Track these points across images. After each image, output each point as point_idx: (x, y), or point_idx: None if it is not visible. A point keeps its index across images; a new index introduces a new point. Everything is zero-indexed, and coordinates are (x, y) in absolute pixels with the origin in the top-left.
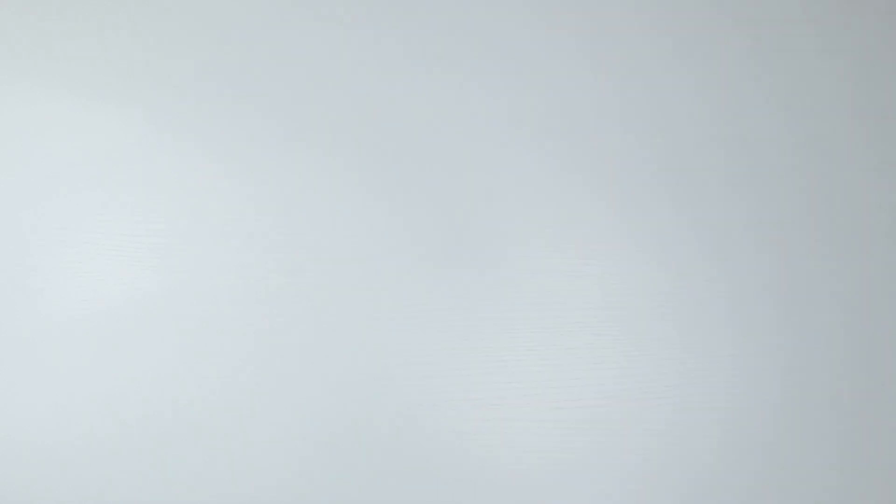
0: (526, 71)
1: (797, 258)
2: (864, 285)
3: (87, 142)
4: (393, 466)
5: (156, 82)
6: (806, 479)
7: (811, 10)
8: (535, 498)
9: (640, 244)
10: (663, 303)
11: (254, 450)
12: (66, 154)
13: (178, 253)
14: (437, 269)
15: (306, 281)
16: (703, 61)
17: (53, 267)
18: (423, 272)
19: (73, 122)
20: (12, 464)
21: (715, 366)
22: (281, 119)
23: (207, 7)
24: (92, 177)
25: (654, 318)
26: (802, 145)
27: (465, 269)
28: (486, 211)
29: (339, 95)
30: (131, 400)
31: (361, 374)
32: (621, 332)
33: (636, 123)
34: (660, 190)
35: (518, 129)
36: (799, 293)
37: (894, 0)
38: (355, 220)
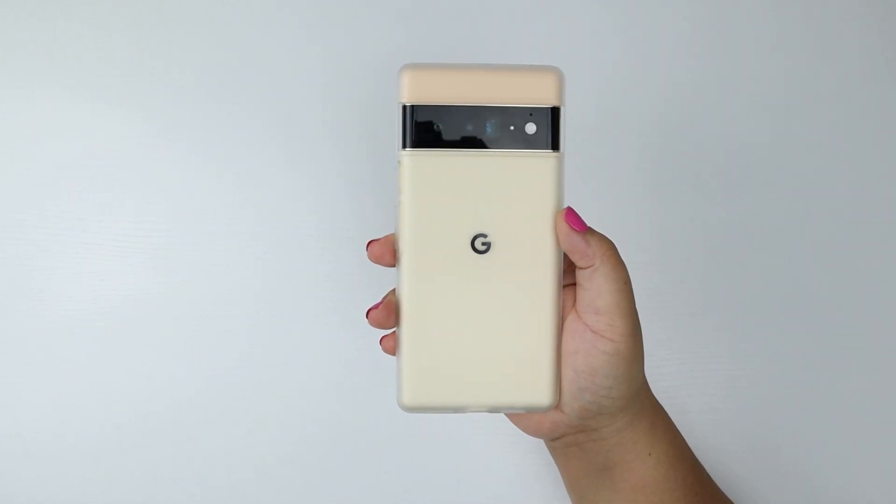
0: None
1: (798, 258)
2: (864, 285)
3: (87, 142)
4: (392, 467)
5: (156, 82)
6: (806, 479)
7: (810, 9)
8: (535, 498)
9: (638, 244)
10: (663, 303)
11: (254, 450)
12: (65, 154)
13: (178, 253)
14: None
15: (307, 281)
16: (703, 60)
17: (53, 267)
18: None
19: (72, 123)
20: (11, 463)
21: (715, 366)
22: (283, 120)
23: (209, 7)
24: (92, 177)
25: (654, 318)
26: (803, 145)
27: None
28: None
29: (344, 97)
30: (131, 399)
31: (361, 374)
32: None
33: (635, 122)
34: (658, 189)
35: None
36: (799, 293)
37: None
38: (357, 222)
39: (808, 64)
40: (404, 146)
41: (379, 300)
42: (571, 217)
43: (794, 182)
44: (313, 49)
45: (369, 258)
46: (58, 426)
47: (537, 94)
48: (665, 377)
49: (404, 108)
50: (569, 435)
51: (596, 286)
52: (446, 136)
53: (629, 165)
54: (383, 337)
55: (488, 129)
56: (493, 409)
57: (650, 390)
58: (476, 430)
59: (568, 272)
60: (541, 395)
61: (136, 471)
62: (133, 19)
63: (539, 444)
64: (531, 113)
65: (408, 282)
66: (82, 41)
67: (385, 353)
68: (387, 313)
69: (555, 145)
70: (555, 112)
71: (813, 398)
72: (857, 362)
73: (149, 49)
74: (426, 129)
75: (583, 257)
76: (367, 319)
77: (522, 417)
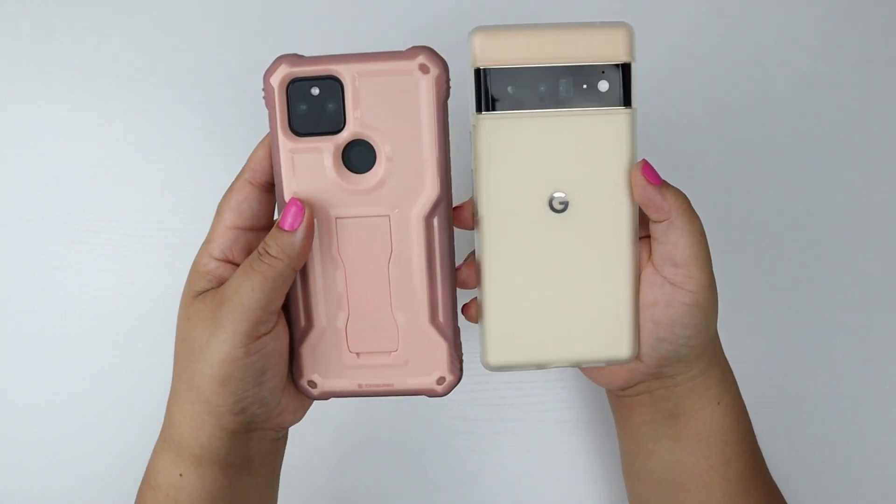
0: None
1: (798, 257)
2: (865, 284)
3: (88, 142)
4: (392, 466)
5: (156, 82)
6: (808, 477)
7: (811, 10)
8: (534, 498)
9: None
10: None
11: None
12: (66, 154)
13: (178, 253)
14: None
15: None
16: (702, 59)
17: (53, 267)
18: None
19: (73, 123)
20: (12, 462)
21: None
22: None
23: (208, 7)
24: (92, 177)
25: None
26: (804, 144)
27: None
28: None
29: None
30: (132, 399)
31: None
32: None
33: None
34: None
35: None
36: (800, 293)
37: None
38: None
39: (809, 63)
40: (479, 110)
41: (461, 262)
42: (647, 170)
43: (794, 182)
44: (317, 49)
45: (455, 224)
46: (57, 425)
47: (608, 51)
48: None
49: (477, 71)
50: (642, 383)
51: (672, 240)
52: (519, 98)
53: None
54: (464, 305)
55: (561, 89)
56: (576, 364)
57: (720, 341)
58: (477, 429)
59: (642, 224)
60: (622, 347)
61: (137, 470)
62: (134, 20)
63: (538, 444)
64: (603, 70)
65: (487, 244)
66: (82, 41)
67: (469, 321)
68: (469, 272)
69: (627, 101)
70: (626, 68)
71: (814, 397)
72: (858, 361)
73: (150, 49)
74: (499, 91)
75: (658, 211)
76: None
77: (599, 369)
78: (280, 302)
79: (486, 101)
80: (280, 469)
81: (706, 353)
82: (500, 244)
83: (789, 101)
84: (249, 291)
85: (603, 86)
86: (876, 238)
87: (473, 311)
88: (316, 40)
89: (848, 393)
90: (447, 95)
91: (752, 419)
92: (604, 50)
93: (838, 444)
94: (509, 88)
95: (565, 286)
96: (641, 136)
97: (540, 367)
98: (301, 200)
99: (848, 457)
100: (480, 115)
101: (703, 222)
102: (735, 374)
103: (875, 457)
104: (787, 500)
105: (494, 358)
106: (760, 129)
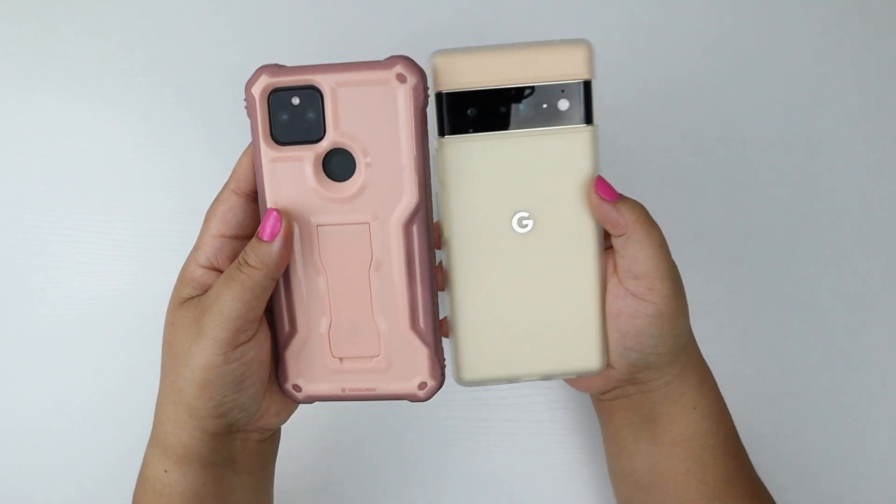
0: None
1: (798, 258)
2: (865, 284)
3: (87, 142)
4: (391, 466)
5: (155, 82)
6: (808, 477)
7: (812, 9)
8: (534, 498)
9: None
10: None
11: None
12: (66, 154)
13: (178, 253)
14: None
15: None
16: (702, 59)
17: (53, 267)
18: None
19: (72, 122)
20: (11, 465)
21: (714, 367)
22: None
23: (207, 8)
24: (92, 177)
25: None
26: (804, 145)
27: None
28: None
29: None
30: (132, 400)
31: None
32: None
33: (633, 123)
34: (658, 189)
35: None
36: (799, 293)
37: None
38: None
39: (809, 62)
40: (441, 134)
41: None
42: (601, 186)
43: (794, 182)
44: (317, 48)
45: None
46: (57, 425)
47: (568, 70)
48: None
49: (438, 95)
50: (618, 388)
51: (631, 253)
52: (480, 120)
53: (628, 166)
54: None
55: (522, 109)
56: (547, 377)
57: (697, 346)
58: (477, 429)
59: (608, 235)
60: (591, 360)
61: (136, 469)
62: (133, 20)
63: (538, 444)
64: (563, 89)
65: (454, 265)
66: (82, 41)
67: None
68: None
69: (588, 119)
70: (587, 86)
71: (814, 397)
72: (858, 362)
73: (149, 50)
74: (460, 115)
75: (615, 226)
76: None
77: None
78: (260, 311)
79: (448, 124)
80: (272, 467)
81: (678, 360)
82: (467, 264)
83: (787, 102)
84: (229, 301)
85: (563, 104)
86: (874, 239)
87: (445, 329)
88: (314, 42)
89: (847, 394)
90: (425, 104)
91: (743, 423)
92: (563, 68)
93: (838, 445)
94: (470, 111)
95: (533, 302)
96: (632, 140)
97: (512, 381)
98: (279, 210)
99: (847, 459)
100: (443, 139)
101: (697, 226)
102: (729, 377)
103: (875, 457)
104: None
105: (467, 374)
106: (757, 131)
